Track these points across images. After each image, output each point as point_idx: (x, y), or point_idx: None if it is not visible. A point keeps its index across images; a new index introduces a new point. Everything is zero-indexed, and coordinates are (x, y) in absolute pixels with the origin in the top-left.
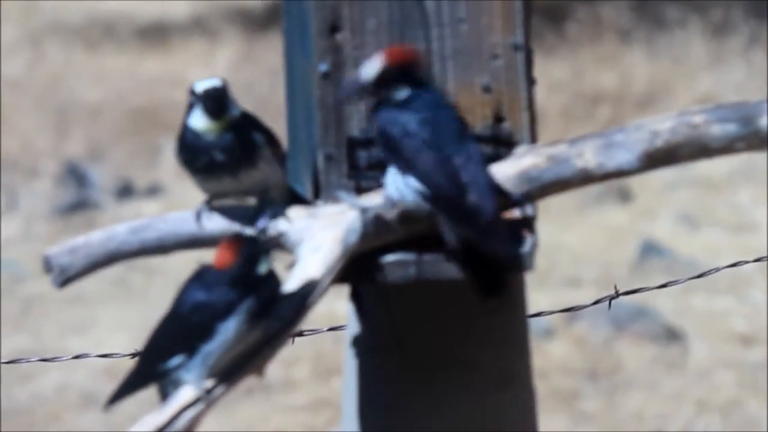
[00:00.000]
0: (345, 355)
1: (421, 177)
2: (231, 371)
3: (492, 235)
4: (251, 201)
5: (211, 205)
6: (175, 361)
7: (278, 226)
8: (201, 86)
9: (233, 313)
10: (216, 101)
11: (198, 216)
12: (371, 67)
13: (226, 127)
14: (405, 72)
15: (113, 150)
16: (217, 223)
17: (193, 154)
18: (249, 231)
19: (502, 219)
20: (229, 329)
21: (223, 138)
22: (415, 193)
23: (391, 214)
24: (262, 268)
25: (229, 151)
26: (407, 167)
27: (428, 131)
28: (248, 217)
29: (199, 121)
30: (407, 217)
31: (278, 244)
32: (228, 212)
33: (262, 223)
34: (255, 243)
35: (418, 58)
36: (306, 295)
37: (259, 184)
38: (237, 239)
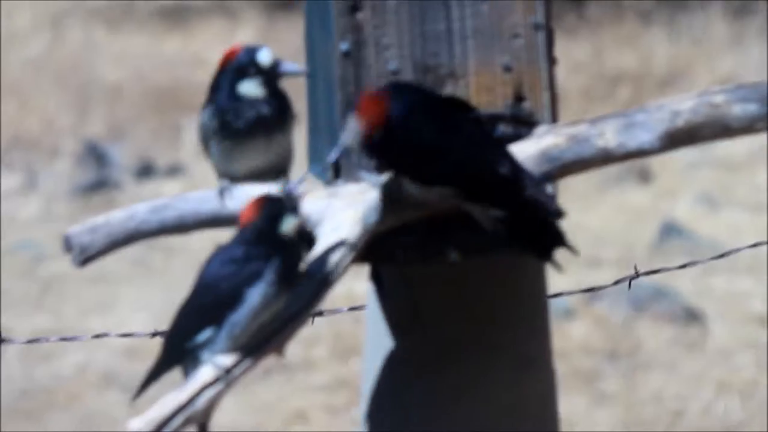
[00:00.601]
0: (365, 335)
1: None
2: (253, 347)
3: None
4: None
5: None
6: (203, 336)
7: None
8: (267, 58)
9: (260, 277)
10: (274, 75)
11: (221, 193)
12: (349, 136)
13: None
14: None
15: (134, 130)
16: (238, 202)
17: (237, 112)
18: (276, 191)
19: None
20: (256, 294)
21: (269, 101)
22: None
23: (413, 191)
24: (287, 226)
25: (275, 108)
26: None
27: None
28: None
29: (251, 87)
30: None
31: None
32: (249, 190)
33: (290, 187)
34: (279, 201)
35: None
36: (326, 276)
37: (280, 156)
38: (262, 198)
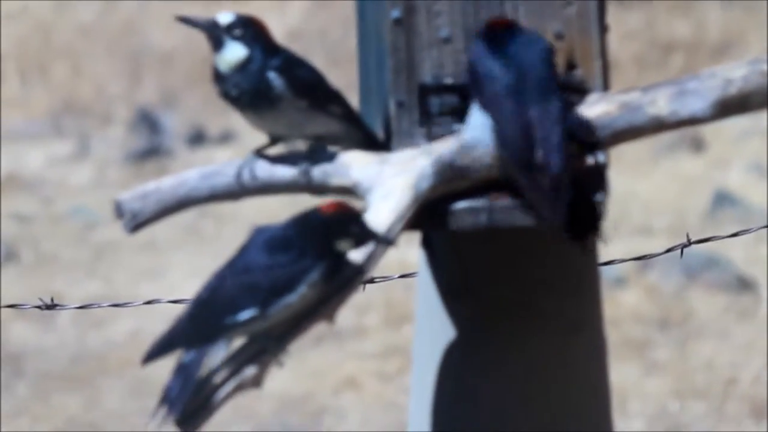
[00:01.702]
0: (416, 301)
1: (495, 122)
2: (298, 321)
3: (554, 194)
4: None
5: (261, 153)
6: (246, 314)
7: (327, 170)
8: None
9: (309, 273)
10: (209, 36)
11: (239, 175)
12: None
13: (240, 64)
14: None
15: (186, 97)
16: (264, 172)
17: (216, 85)
18: (293, 173)
19: (567, 180)
20: (305, 286)
21: (235, 74)
22: (492, 133)
23: (466, 160)
24: (343, 246)
25: (239, 87)
26: (486, 108)
27: (512, 77)
28: (294, 162)
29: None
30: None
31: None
32: (277, 160)
33: (304, 166)
34: (357, 221)
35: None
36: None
37: (296, 128)
38: (349, 206)
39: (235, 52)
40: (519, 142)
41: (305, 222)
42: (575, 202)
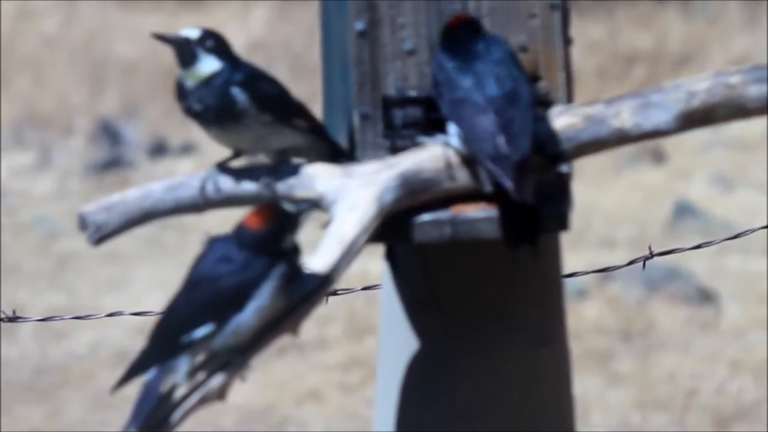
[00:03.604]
0: (381, 314)
1: (457, 122)
2: (261, 334)
3: (519, 178)
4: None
5: (224, 167)
6: (201, 331)
7: (291, 183)
8: (182, 34)
9: (266, 279)
10: (180, 51)
11: (202, 189)
12: None
13: (205, 79)
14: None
15: (147, 108)
16: (228, 185)
17: (179, 99)
18: (256, 187)
19: (531, 164)
20: (262, 296)
21: (199, 89)
22: (457, 136)
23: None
24: (289, 242)
25: (203, 102)
26: (449, 114)
27: (470, 78)
28: (258, 175)
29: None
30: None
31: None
32: (240, 173)
33: (265, 180)
34: (290, 215)
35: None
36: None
37: (260, 143)
38: (272, 207)
39: (209, 65)
40: (481, 132)
41: (239, 239)
42: (517, 209)
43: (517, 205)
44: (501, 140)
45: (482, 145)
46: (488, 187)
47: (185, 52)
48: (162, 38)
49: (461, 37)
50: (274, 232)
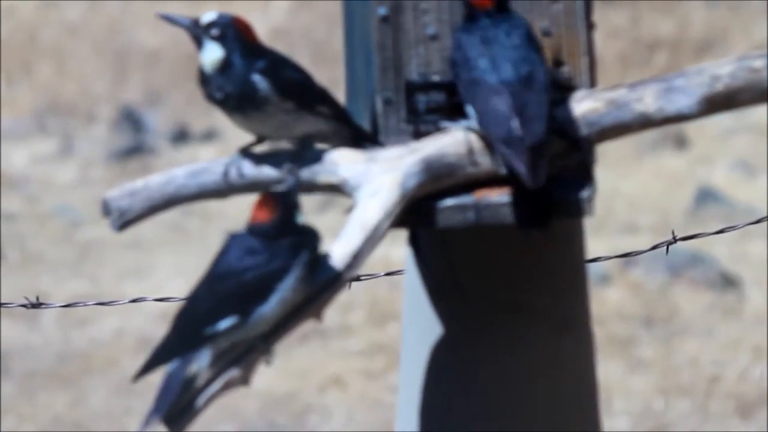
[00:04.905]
0: (404, 300)
1: (472, 103)
2: (285, 320)
3: (532, 162)
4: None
5: (247, 152)
6: (226, 323)
7: (314, 168)
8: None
9: (288, 271)
10: (194, 37)
11: (226, 174)
12: None
13: (219, 66)
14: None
15: (170, 95)
16: (251, 170)
17: (201, 86)
18: (279, 173)
19: (546, 149)
20: (285, 288)
21: (218, 76)
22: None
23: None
24: (300, 219)
25: (223, 90)
26: (465, 95)
27: (487, 60)
28: (281, 161)
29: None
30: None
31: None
32: (264, 159)
33: (288, 165)
34: (286, 194)
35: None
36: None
37: (283, 129)
38: (269, 195)
39: (212, 53)
40: (495, 114)
41: (261, 228)
42: (529, 192)
43: (529, 188)
44: (515, 123)
45: (496, 127)
46: (503, 169)
47: (194, 36)
48: (168, 19)
49: (484, 17)
50: (284, 214)
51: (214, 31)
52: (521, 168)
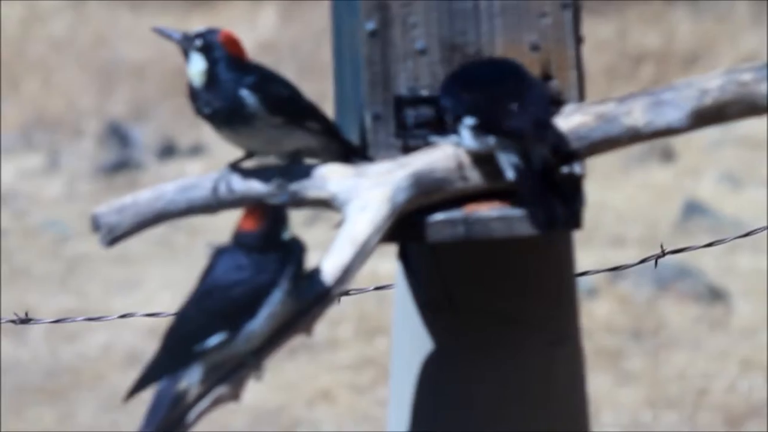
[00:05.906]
0: (394, 314)
1: (467, 108)
2: (274, 335)
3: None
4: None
5: (236, 167)
6: (215, 339)
7: (303, 183)
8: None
9: (276, 286)
10: (183, 51)
11: (215, 189)
12: None
13: (205, 78)
14: None
15: (156, 110)
16: (240, 185)
17: (190, 100)
18: (269, 188)
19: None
20: (273, 302)
21: (206, 91)
22: (470, 129)
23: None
24: (287, 234)
25: (211, 105)
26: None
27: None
28: (270, 176)
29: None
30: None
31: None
32: (253, 174)
33: (277, 181)
34: (276, 207)
35: None
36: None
37: (272, 144)
38: (258, 206)
39: (196, 64)
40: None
41: (242, 244)
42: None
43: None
44: (514, 106)
45: (494, 110)
46: (510, 174)
47: (182, 50)
48: (161, 33)
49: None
50: (271, 226)
51: (198, 42)
52: (519, 124)
